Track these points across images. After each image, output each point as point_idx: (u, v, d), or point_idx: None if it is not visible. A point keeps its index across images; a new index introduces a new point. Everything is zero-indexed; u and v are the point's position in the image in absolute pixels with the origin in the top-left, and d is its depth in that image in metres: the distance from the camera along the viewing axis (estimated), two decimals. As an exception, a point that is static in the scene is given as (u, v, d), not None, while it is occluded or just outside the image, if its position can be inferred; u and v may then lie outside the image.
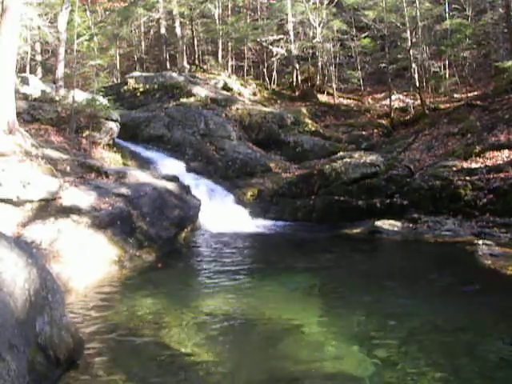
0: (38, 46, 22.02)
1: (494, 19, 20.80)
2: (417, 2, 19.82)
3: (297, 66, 23.55)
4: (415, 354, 4.58)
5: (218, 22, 24.46)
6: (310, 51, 24.11)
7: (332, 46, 23.54)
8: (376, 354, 4.60)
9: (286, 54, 23.81)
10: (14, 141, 9.42)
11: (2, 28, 9.52)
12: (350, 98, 22.89)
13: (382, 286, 7.00)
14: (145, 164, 14.59)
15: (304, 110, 20.47)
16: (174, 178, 12.05)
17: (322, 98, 22.48)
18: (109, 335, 5.20)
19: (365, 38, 23.70)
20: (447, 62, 21.51)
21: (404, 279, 7.41)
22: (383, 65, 22.92)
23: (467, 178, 12.22)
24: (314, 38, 23.44)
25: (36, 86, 15.36)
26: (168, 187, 11.04)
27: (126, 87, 20.31)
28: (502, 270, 7.45)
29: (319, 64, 23.93)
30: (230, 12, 25.93)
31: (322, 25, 22.73)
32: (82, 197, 8.92)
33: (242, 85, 22.31)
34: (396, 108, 20.66)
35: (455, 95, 20.00)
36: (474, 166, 12.77)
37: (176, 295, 6.69)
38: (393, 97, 20.51)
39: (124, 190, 9.79)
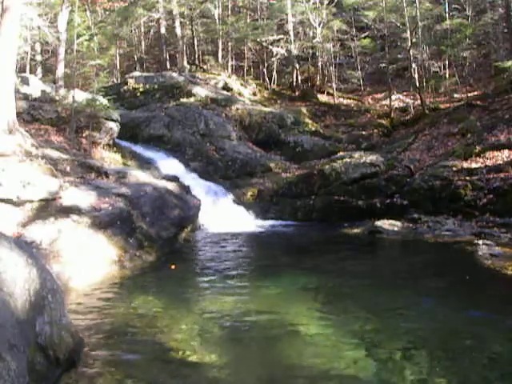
0: (37, 46, 22.00)
1: (493, 19, 20.82)
2: (417, 2, 19.83)
3: (297, 66, 23.55)
4: (416, 354, 4.58)
5: (217, 22, 24.47)
6: (310, 51, 24.12)
7: (332, 46, 23.55)
8: (376, 354, 4.60)
9: (286, 54, 23.80)
10: (14, 141, 9.42)
11: (2, 28, 9.52)
12: (350, 98, 22.90)
13: (382, 285, 6.99)
14: (145, 164, 14.59)
15: (304, 110, 20.47)
16: (174, 178, 12.06)
17: (322, 98, 22.49)
18: (109, 335, 5.20)
19: (365, 38, 23.73)
20: (447, 62, 21.51)
21: (404, 279, 7.41)
22: (383, 65, 22.94)
23: (467, 178, 12.23)
24: (314, 37, 23.45)
25: (36, 86, 15.36)
26: (168, 187, 11.04)
27: (126, 87, 20.31)
28: (502, 269, 7.45)
29: (319, 64, 23.95)
30: (230, 12, 25.92)
31: (322, 25, 22.75)
32: (82, 197, 8.92)
33: (242, 85, 22.31)
34: (396, 108, 20.67)
35: (455, 95, 20.00)
36: (474, 165, 12.78)
37: (176, 295, 6.69)
38: (393, 97, 20.52)
39: (124, 190, 9.78)
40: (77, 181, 9.77)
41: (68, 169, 10.47)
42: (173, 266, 8.23)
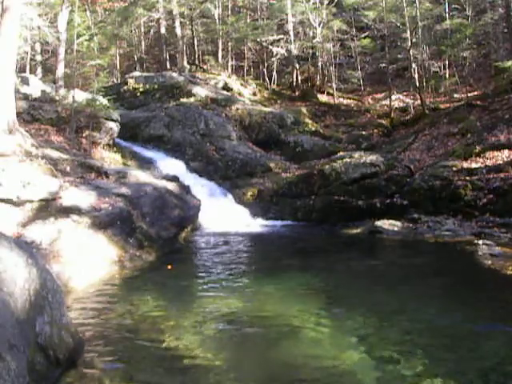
0: (37, 46, 21.99)
1: (493, 19, 20.79)
2: (417, 2, 19.82)
3: (297, 66, 23.54)
4: (415, 354, 4.58)
5: (217, 21, 24.46)
6: (310, 51, 24.11)
7: (332, 46, 23.54)
8: (376, 354, 4.60)
9: (286, 54, 23.80)
10: (14, 141, 9.42)
11: (2, 28, 9.53)
12: (350, 98, 22.89)
13: (382, 285, 7.00)
14: (145, 164, 14.59)
15: (304, 110, 20.46)
16: (174, 178, 12.06)
17: (322, 98, 22.49)
18: (109, 335, 5.20)
19: (365, 38, 23.73)
20: (447, 62, 21.50)
21: (404, 279, 7.41)
22: (383, 65, 22.94)
23: (467, 178, 12.23)
24: (314, 37, 23.44)
25: (36, 86, 15.36)
26: (168, 187, 11.04)
27: (126, 87, 20.31)
28: (502, 270, 7.45)
29: (319, 64, 23.94)
30: (229, 12, 25.91)
31: (322, 25, 22.74)
32: (82, 197, 8.92)
33: (241, 85, 22.31)
34: (396, 108, 20.66)
35: (455, 95, 19.99)
36: (474, 166, 12.78)
37: (176, 295, 6.69)
38: (393, 97, 20.51)
39: (124, 190, 9.79)
40: (77, 181, 9.78)
41: (68, 169, 10.47)
42: (169, 267, 8.24)
